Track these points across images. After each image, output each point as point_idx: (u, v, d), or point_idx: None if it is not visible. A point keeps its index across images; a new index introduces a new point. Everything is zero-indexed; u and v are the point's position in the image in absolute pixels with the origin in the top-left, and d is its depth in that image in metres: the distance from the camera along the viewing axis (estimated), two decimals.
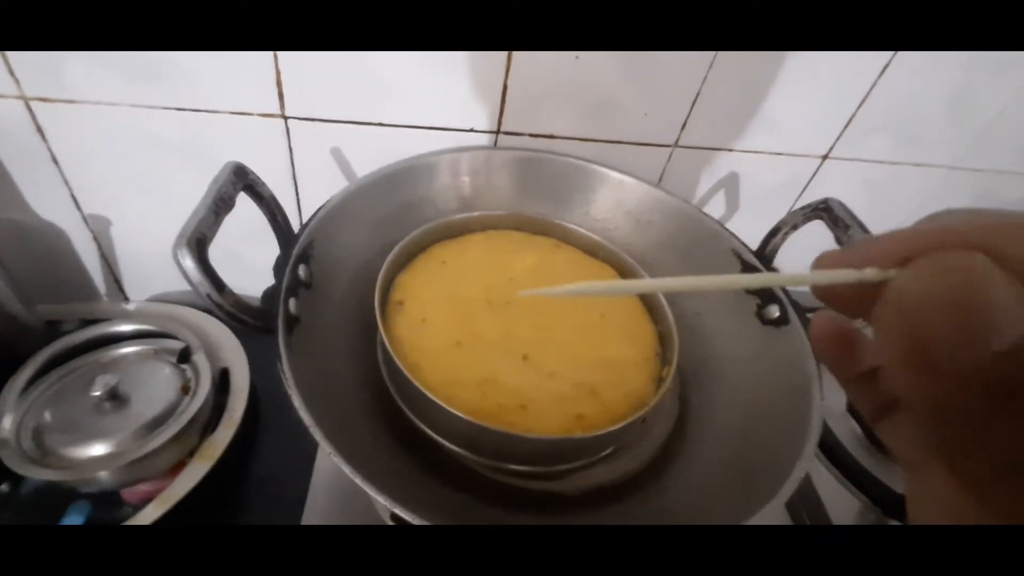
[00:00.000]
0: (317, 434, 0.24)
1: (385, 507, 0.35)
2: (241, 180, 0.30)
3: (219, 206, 0.27)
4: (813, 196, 0.59)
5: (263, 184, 0.32)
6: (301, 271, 0.32)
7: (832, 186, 0.58)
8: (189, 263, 0.24)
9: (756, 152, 0.54)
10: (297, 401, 0.25)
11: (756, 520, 0.26)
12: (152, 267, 0.53)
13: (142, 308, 0.54)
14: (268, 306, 0.28)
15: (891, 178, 0.59)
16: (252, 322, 0.27)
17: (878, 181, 0.59)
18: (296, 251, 0.32)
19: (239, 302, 0.26)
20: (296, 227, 0.35)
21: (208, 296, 0.25)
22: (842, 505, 0.44)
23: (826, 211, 0.36)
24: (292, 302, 0.30)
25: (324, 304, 0.34)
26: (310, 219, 0.34)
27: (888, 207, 0.62)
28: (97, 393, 0.39)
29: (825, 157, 0.56)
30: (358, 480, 0.23)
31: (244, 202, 0.31)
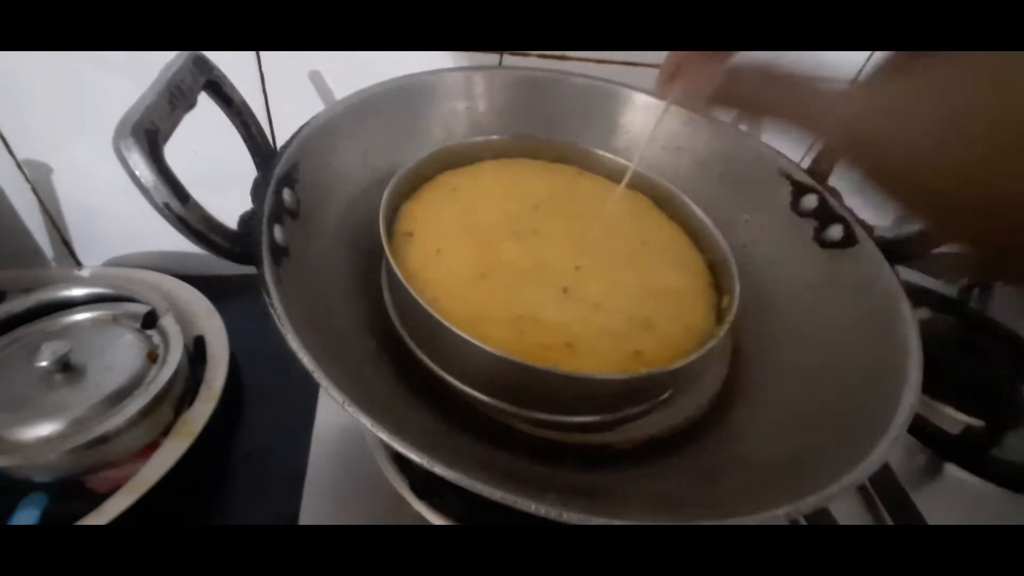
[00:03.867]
0: (322, 379, 0.18)
1: (400, 481, 0.30)
2: (204, 73, 0.23)
3: (175, 95, 0.20)
4: None
5: (231, 85, 0.26)
6: (286, 195, 0.26)
7: None
8: (137, 158, 0.17)
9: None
10: (293, 341, 0.19)
11: (844, 486, 0.21)
12: (105, 224, 0.46)
13: (98, 273, 0.47)
14: (246, 230, 0.22)
15: None
16: (226, 246, 0.21)
17: None
18: (278, 171, 0.26)
19: (209, 220, 0.20)
20: (270, 141, 0.29)
21: (166, 206, 0.18)
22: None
23: None
24: (278, 229, 0.24)
25: (315, 238, 0.28)
26: (293, 136, 0.28)
27: None
28: (44, 364, 0.33)
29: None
30: (382, 434, 0.17)
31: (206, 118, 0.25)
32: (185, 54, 0.23)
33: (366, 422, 0.18)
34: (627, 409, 0.26)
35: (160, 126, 0.19)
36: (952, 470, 0.40)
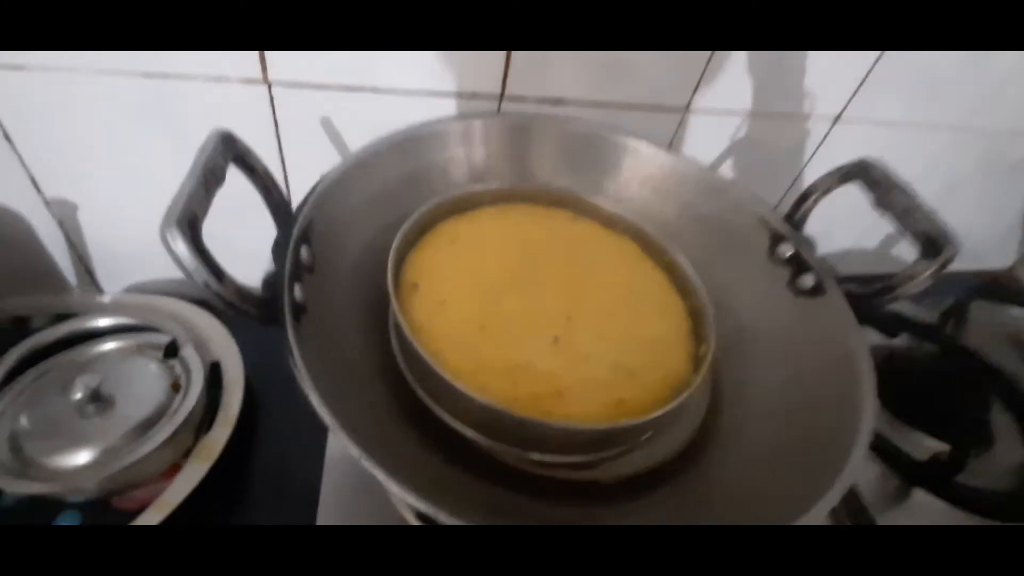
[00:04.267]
0: (342, 437, 0.21)
1: (405, 503, 0.33)
2: (231, 150, 0.26)
3: (209, 179, 0.23)
4: (823, 157, 0.57)
5: (255, 155, 0.28)
6: (303, 253, 0.29)
7: (841, 149, 0.56)
8: (182, 247, 0.20)
9: (768, 115, 0.51)
10: (315, 400, 0.22)
11: (813, 515, 0.24)
12: (126, 254, 0.49)
13: (119, 300, 0.50)
14: (271, 294, 0.25)
15: (899, 140, 0.58)
16: (256, 312, 0.24)
17: (886, 143, 0.57)
18: (296, 232, 0.29)
19: (241, 291, 0.23)
20: (288, 201, 0.31)
21: (206, 285, 0.21)
22: (863, 473, 0.43)
23: (862, 172, 0.34)
24: (297, 288, 0.27)
25: (329, 289, 0.31)
26: (309, 194, 0.31)
27: (898, 168, 0.61)
28: (78, 395, 0.36)
29: (837, 119, 0.54)
30: (396, 488, 0.20)
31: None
32: (215, 133, 0.26)
33: (380, 476, 0.20)
34: (608, 450, 0.29)
35: (198, 212, 0.22)
36: (920, 495, 0.42)
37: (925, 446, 0.45)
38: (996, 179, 0.68)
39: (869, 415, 0.27)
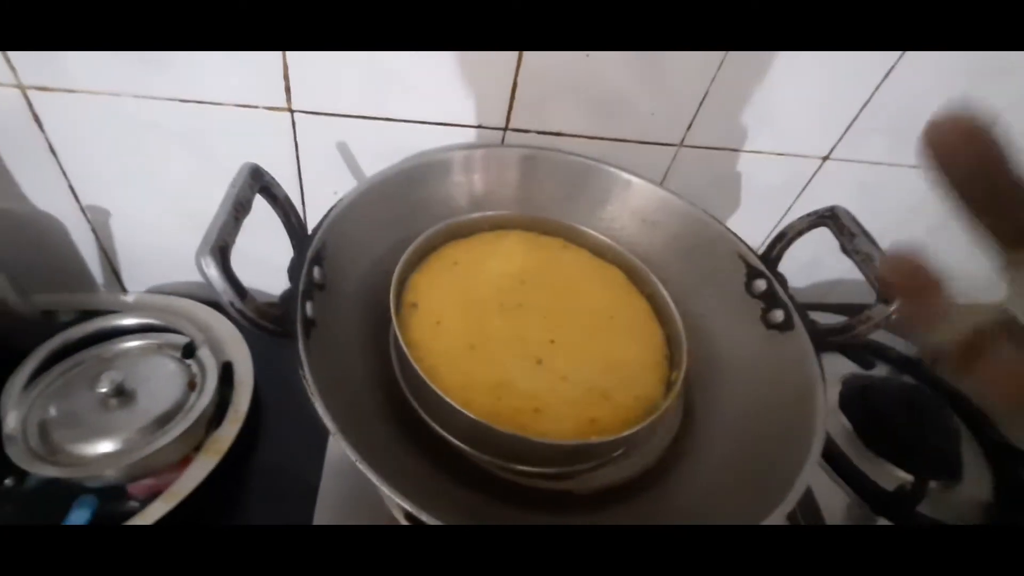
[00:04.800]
0: (343, 443, 0.24)
1: (399, 505, 0.36)
2: (258, 182, 0.29)
3: (238, 211, 0.27)
4: (812, 196, 0.60)
5: (278, 185, 0.32)
6: (316, 273, 0.32)
7: (829, 187, 0.59)
8: (213, 272, 0.24)
9: (758, 152, 0.54)
10: (320, 409, 0.25)
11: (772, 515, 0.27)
12: (150, 258, 0.53)
13: (141, 299, 0.54)
14: (285, 310, 0.28)
15: (886, 179, 0.60)
16: (272, 328, 0.27)
17: (873, 181, 0.60)
18: (310, 253, 0.32)
19: (260, 308, 0.26)
20: (304, 225, 0.35)
21: (231, 304, 0.25)
22: (832, 500, 0.45)
23: (832, 219, 0.37)
24: (308, 306, 0.30)
25: (337, 305, 0.34)
26: (323, 219, 0.34)
27: (881, 207, 0.63)
28: (103, 390, 0.39)
29: (825, 158, 0.57)
30: (386, 490, 0.23)
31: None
32: (245, 167, 0.29)
33: (374, 479, 0.23)
34: (582, 464, 0.32)
35: (228, 241, 0.25)
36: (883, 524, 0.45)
37: (895, 476, 0.48)
38: None
39: (820, 438, 0.30)
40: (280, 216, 0.33)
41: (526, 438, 0.28)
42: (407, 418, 0.33)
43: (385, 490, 0.23)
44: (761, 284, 0.39)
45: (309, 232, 0.33)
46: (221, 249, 0.24)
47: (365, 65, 0.41)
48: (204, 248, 0.24)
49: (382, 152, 0.46)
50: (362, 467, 0.24)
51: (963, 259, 0.76)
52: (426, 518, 0.23)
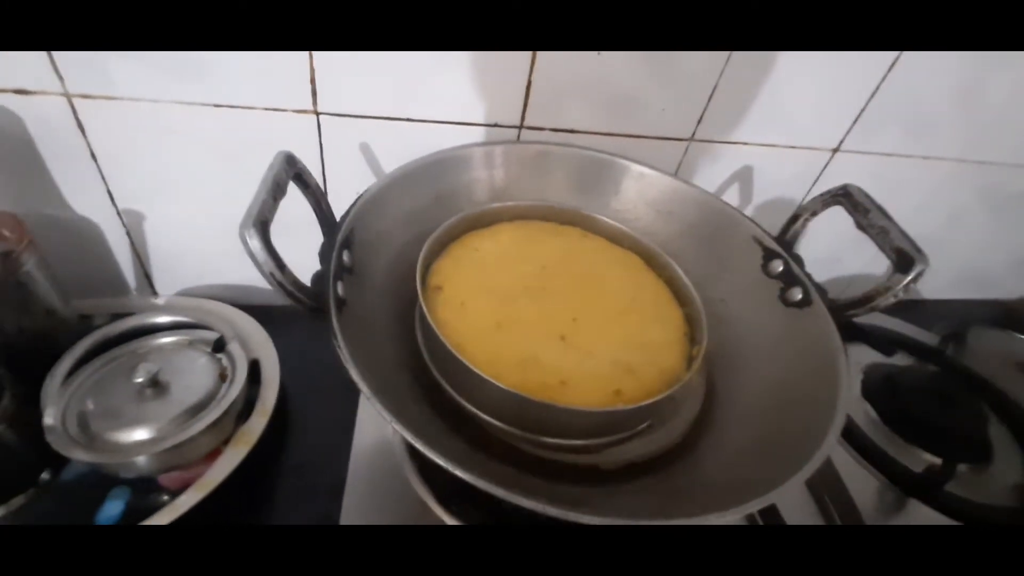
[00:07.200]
0: (376, 404, 0.25)
1: (424, 491, 0.36)
2: (292, 168, 0.31)
3: (276, 192, 0.28)
4: (825, 188, 0.61)
5: (309, 173, 0.33)
6: (345, 256, 0.33)
7: (842, 179, 0.60)
8: (256, 243, 0.25)
9: (769, 146, 0.55)
10: (355, 373, 0.26)
11: (780, 494, 0.27)
12: (181, 262, 0.55)
13: (172, 302, 0.55)
14: (319, 289, 0.30)
15: (899, 170, 0.61)
16: (307, 301, 0.28)
17: (886, 173, 0.60)
18: (340, 238, 0.33)
19: (297, 282, 0.28)
20: (332, 213, 0.36)
21: (271, 275, 0.26)
22: (862, 485, 0.45)
23: (845, 197, 0.38)
24: (339, 285, 0.31)
25: (364, 289, 0.35)
26: (351, 207, 0.36)
27: (896, 199, 0.64)
28: (139, 380, 0.40)
29: (835, 150, 0.58)
30: (419, 445, 0.24)
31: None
32: (280, 154, 0.31)
33: (407, 435, 0.24)
34: (609, 436, 0.32)
35: (268, 217, 0.26)
36: (914, 508, 0.44)
37: (922, 459, 0.47)
38: (1002, 210, 0.70)
39: (843, 403, 0.30)
40: (311, 203, 0.34)
41: (555, 405, 0.28)
42: (437, 399, 0.33)
43: (420, 447, 0.24)
44: (778, 265, 0.40)
45: (337, 220, 0.35)
46: (262, 223, 0.26)
47: (387, 68, 0.43)
48: (247, 221, 0.25)
49: (403, 152, 0.47)
50: (397, 426, 0.24)
51: (979, 250, 0.76)
52: (462, 473, 0.23)
